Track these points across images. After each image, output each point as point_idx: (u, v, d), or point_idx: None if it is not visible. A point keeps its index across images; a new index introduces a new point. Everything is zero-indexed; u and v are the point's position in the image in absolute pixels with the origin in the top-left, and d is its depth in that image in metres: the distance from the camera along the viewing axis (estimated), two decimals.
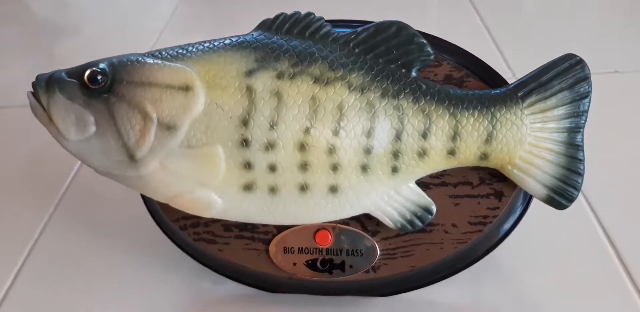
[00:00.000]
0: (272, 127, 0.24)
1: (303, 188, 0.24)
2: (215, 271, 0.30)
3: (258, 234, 0.28)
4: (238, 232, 0.28)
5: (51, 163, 0.45)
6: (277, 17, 0.25)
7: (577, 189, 0.26)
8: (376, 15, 0.62)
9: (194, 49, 0.25)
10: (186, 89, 0.24)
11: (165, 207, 0.29)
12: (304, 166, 0.24)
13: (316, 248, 0.28)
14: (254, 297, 0.31)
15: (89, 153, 0.24)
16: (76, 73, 0.25)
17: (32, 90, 0.25)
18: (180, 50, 0.25)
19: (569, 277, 0.30)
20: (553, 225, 0.32)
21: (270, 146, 0.24)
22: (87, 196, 0.41)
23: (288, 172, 0.24)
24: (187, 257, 0.31)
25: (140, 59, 0.25)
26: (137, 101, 0.24)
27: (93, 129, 0.24)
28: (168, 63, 0.24)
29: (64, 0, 0.83)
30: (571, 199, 0.26)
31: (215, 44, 0.25)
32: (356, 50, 0.25)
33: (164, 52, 0.25)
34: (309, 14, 0.25)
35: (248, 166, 0.24)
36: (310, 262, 0.28)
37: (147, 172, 0.24)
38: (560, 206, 0.26)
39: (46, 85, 0.25)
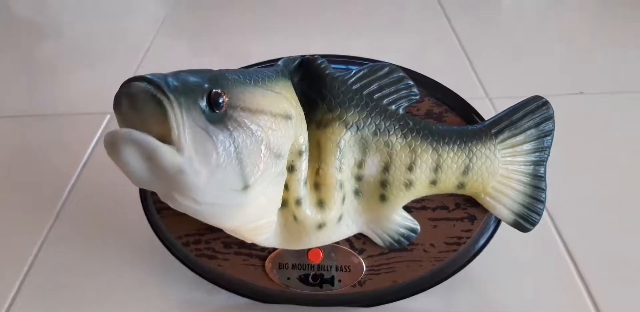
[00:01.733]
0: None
1: (320, 226, 0.27)
2: (214, 283, 0.33)
3: (255, 251, 0.31)
4: (237, 249, 0.31)
5: (48, 175, 0.47)
6: (286, 61, 0.27)
7: (540, 215, 0.29)
8: (354, 35, 0.65)
9: (252, 77, 0.24)
10: (288, 117, 0.24)
11: (169, 224, 0.32)
12: (320, 203, 0.27)
13: (308, 264, 0.31)
14: (248, 307, 0.34)
15: (206, 186, 0.21)
16: (190, 89, 0.21)
17: (155, 98, 0.19)
18: (243, 76, 0.24)
19: (533, 290, 0.34)
20: (519, 244, 0.36)
21: (316, 186, 0.27)
22: (85, 209, 0.43)
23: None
24: (183, 270, 0.34)
25: (242, 80, 0.23)
26: (255, 129, 0.22)
27: (215, 158, 0.21)
28: (266, 91, 0.24)
29: (45, 0, 0.84)
30: (534, 224, 0.29)
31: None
32: (353, 87, 0.27)
33: (237, 75, 0.24)
34: (315, 58, 0.27)
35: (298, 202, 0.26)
36: (302, 277, 0.31)
37: (249, 200, 0.23)
38: (524, 229, 0.29)
39: (175, 98, 0.20)
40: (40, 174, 0.47)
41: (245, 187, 0.22)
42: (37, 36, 0.73)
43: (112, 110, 0.55)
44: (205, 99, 0.21)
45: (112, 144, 0.19)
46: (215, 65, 0.66)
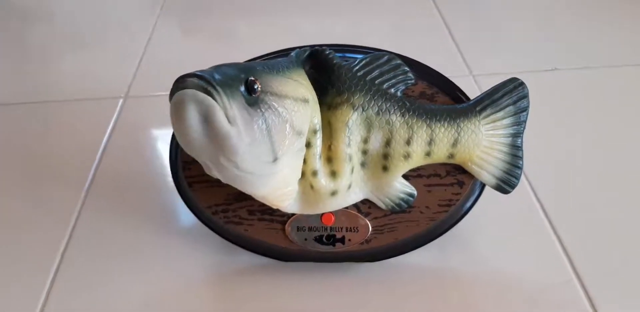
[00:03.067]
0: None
1: (333, 193, 0.32)
2: (240, 246, 0.38)
3: (276, 217, 0.36)
4: (260, 216, 0.36)
5: (71, 155, 0.51)
6: (298, 52, 0.31)
7: (518, 179, 0.34)
8: (340, 16, 0.69)
9: (274, 68, 0.29)
10: (306, 101, 0.29)
11: (199, 196, 0.36)
12: (333, 174, 0.32)
13: (322, 226, 0.36)
14: (268, 267, 0.39)
15: (246, 153, 0.25)
16: (231, 79, 0.25)
17: (202, 89, 0.23)
18: (267, 66, 0.28)
19: (512, 243, 0.39)
20: (501, 204, 0.41)
21: (329, 159, 0.31)
22: (111, 189, 0.47)
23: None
24: (209, 238, 0.38)
25: (267, 70, 0.28)
26: (282, 111, 0.27)
27: (253, 134, 0.25)
28: (287, 79, 0.28)
29: None
30: (513, 186, 0.34)
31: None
32: (358, 74, 0.32)
33: (262, 66, 0.28)
34: (324, 49, 0.31)
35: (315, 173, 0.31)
36: (317, 237, 0.36)
37: (277, 170, 0.28)
38: (505, 192, 0.35)
39: (222, 90, 0.24)
40: (62, 159, 0.50)
41: (275, 159, 0.27)
42: (27, 20, 0.74)
43: (123, 94, 0.58)
44: (243, 85, 0.25)
45: (179, 102, 0.23)
46: (214, 47, 0.67)
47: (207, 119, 0.24)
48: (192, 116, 0.24)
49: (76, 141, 0.53)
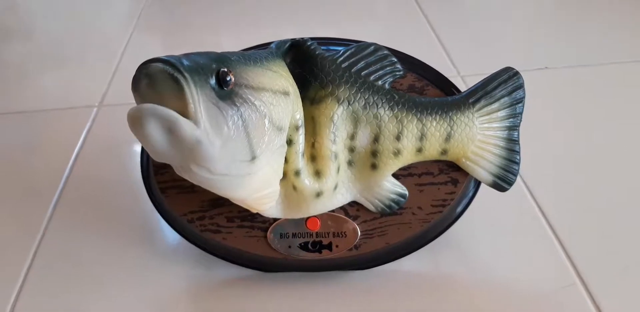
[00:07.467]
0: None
1: (318, 195, 0.30)
2: (219, 257, 0.35)
3: (257, 223, 0.33)
4: (239, 223, 0.33)
5: (42, 168, 0.48)
6: (278, 44, 0.29)
7: (515, 175, 0.32)
8: (324, 24, 0.67)
9: (252, 58, 0.26)
10: (286, 94, 0.26)
11: (173, 204, 0.33)
12: (317, 173, 0.29)
13: (307, 232, 0.33)
14: (250, 279, 0.36)
15: (219, 156, 0.23)
16: (201, 68, 0.22)
17: (169, 75, 0.21)
18: (244, 57, 0.26)
19: (510, 247, 0.37)
20: (497, 204, 0.39)
21: (312, 158, 0.29)
22: (82, 198, 0.44)
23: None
24: (184, 250, 0.35)
25: (243, 61, 0.25)
26: (259, 105, 0.24)
27: (226, 131, 0.23)
28: (265, 70, 0.26)
29: (13, 3, 0.82)
30: (511, 183, 0.32)
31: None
32: (343, 66, 0.29)
33: (238, 56, 0.25)
34: (306, 40, 0.29)
35: (297, 173, 0.29)
36: (302, 244, 0.33)
37: (256, 170, 0.25)
38: (502, 189, 0.32)
39: (191, 77, 0.21)
40: (33, 169, 0.48)
41: (253, 158, 0.24)
42: (4, 38, 0.72)
43: (97, 103, 0.56)
44: (214, 77, 0.22)
45: (136, 117, 0.21)
46: None
47: (171, 131, 0.21)
48: (153, 131, 0.21)
49: (47, 151, 0.50)
